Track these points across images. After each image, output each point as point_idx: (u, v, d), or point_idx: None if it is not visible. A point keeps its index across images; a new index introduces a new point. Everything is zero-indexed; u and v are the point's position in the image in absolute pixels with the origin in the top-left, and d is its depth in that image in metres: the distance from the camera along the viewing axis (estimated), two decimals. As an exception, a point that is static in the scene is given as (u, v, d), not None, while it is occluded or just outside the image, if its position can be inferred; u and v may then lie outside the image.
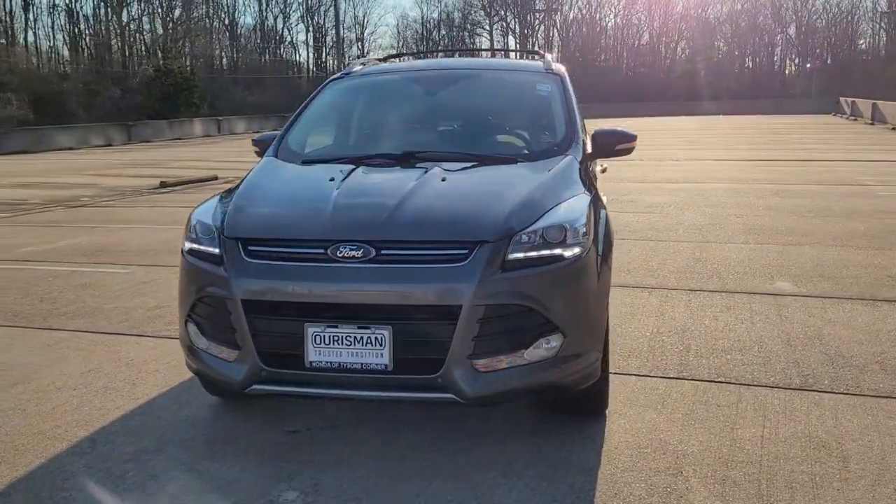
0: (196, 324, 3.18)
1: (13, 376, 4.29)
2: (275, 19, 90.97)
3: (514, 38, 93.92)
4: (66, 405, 3.83)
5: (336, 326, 2.88)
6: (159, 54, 64.50)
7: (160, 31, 75.25)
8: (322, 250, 2.91)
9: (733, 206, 10.53)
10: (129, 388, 4.01)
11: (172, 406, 3.76)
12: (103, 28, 76.74)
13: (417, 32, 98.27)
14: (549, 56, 4.88)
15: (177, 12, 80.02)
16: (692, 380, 4.09)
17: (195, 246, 3.20)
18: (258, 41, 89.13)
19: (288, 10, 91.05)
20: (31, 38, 76.00)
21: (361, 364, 2.88)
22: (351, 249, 2.89)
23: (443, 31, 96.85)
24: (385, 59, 5.36)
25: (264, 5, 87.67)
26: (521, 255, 2.95)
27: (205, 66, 73.01)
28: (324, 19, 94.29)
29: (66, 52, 76.10)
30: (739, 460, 3.15)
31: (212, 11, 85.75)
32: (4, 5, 75.48)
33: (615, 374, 4.15)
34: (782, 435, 3.39)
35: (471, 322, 2.83)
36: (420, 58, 4.46)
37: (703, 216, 9.77)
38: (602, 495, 2.88)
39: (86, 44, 76.20)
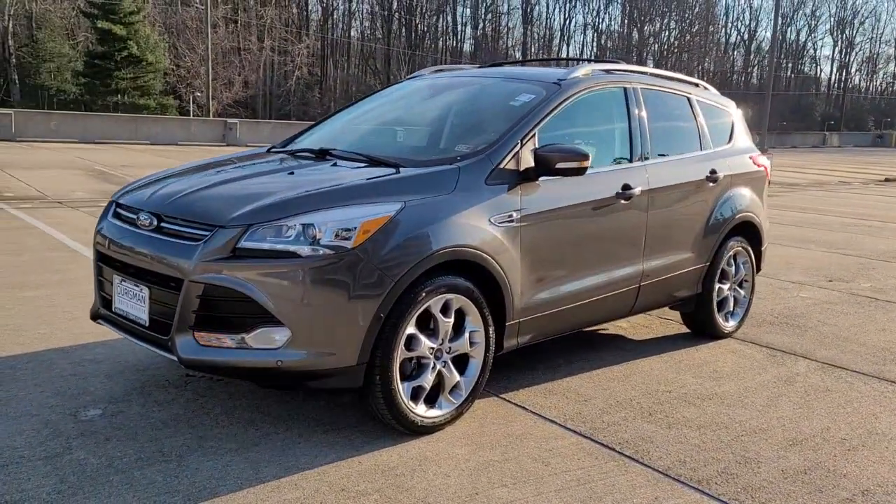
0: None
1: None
2: (798, 32, 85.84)
3: None
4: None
5: (125, 281, 3.44)
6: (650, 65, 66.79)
7: (668, 44, 77.78)
8: (135, 216, 3.49)
9: None
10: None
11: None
12: (625, 42, 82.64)
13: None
14: (599, 66, 4.45)
15: (695, 27, 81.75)
16: (594, 441, 3.48)
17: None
18: (775, 55, 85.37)
19: (815, 22, 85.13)
20: (563, 53, 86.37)
21: (135, 316, 3.39)
22: (144, 218, 3.40)
23: None
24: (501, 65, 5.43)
25: (789, 18, 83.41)
26: (254, 244, 3.09)
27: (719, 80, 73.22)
28: (855, 32, 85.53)
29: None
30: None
31: (730, 24, 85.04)
32: (549, 23, 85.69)
33: (546, 419, 3.77)
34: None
35: (191, 296, 3.11)
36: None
37: None
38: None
39: (608, 58, 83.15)
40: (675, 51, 77.35)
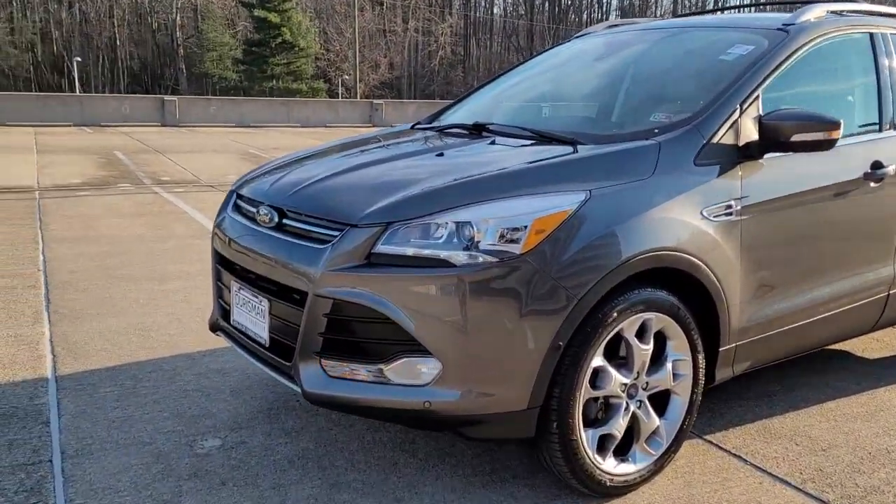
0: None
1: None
2: None
3: None
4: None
5: (243, 289, 2.83)
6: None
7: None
8: (255, 209, 2.87)
9: None
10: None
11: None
12: (788, 10, 76.43)
13: None
14: (830, 6, 3.39)
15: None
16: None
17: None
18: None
19: None
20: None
21: (255, 333, 2.78)
22: (264, 213, 2.77)
23: None
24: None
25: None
26: (394, 249, 2.37)
27: None
28: None
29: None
30: None
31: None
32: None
33: (775, 477, 2.87)
34: None
35: (316, 314, 2.44)
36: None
37: None
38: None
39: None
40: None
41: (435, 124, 3.64)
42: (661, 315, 2.60)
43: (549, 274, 2.34)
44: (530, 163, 2.62)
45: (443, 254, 2.33)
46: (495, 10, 77.68)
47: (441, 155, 2.92)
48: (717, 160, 2.75)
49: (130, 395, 3.46)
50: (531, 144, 2.92)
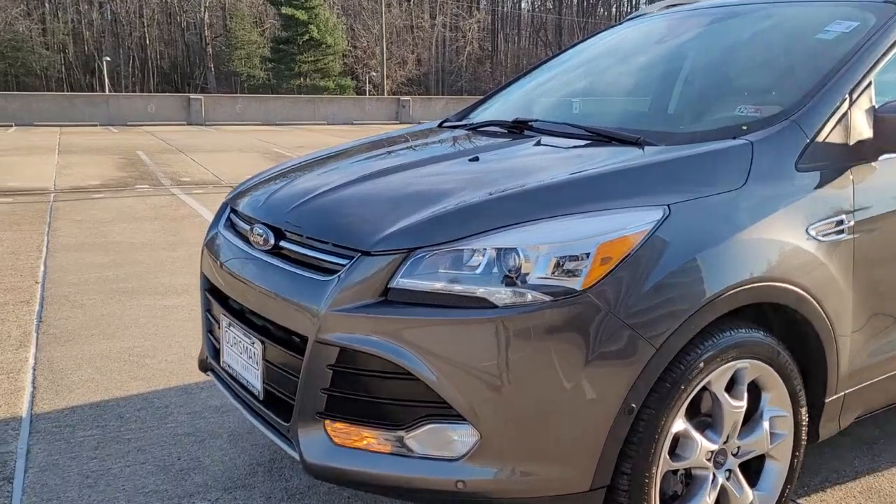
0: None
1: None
2: None
3: None
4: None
5: (233, 326, 2.32)
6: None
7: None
8: (249, 227, 2.35)
9: None
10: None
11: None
12: None
13: None
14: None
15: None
16: None
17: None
18: None
19: None
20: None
21: (246, 381, 2.26)
22: (259, 232, 2.25)
23: None
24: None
25: None
26: (418, 283, 1.84)
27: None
28: None
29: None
30: None
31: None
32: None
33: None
34: None
35: (318, 364, 1.92)
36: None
37: None
38: None
39: None
40: None
41: (466, 122, 3.09)
42: (756, 362, 2.04)
43: (619, 316, 1.79)
44: (588, 170, 2.07)
45: (480, 290, 1.80)
46: (523, 5, 76.83)
47: (476, 160, 2.37)
48: (822, 164, 2.18)
49: (112, 440, 2.97)
50: (586, 146, 2.37)
